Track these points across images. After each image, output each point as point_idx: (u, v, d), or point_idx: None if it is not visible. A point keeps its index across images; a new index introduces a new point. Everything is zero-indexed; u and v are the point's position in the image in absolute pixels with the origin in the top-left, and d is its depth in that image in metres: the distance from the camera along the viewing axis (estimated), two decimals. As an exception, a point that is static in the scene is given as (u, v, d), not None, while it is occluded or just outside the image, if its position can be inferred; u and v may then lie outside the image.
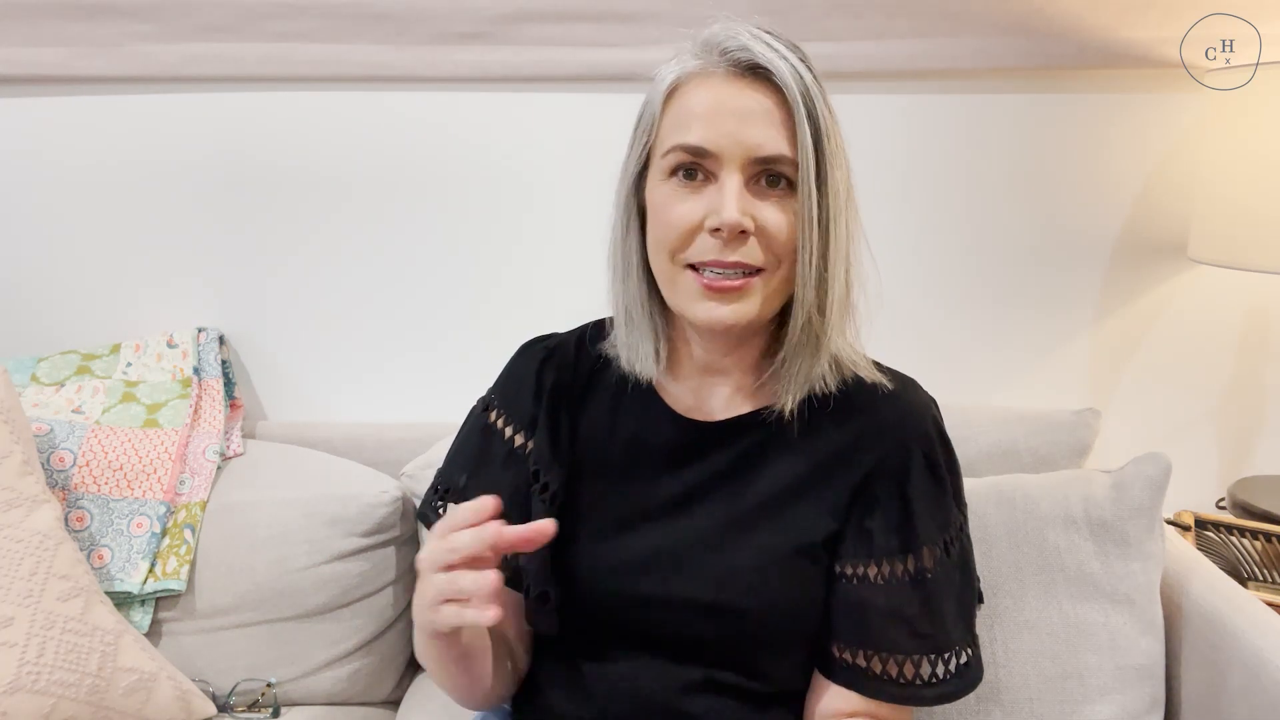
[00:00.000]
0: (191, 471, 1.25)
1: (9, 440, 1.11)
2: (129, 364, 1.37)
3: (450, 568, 0.69)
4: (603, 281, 0.88)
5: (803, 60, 0.78)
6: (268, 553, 1.20)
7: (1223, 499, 1.36)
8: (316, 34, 1.30)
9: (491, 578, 0.65)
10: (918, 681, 0.82)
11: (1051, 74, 1.30)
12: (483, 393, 0.97)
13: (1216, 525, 1.25)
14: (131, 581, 1.18)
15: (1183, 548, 1.15)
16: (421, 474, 1.24)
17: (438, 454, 1.22)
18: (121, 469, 1.22)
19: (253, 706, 1.21)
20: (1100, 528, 1.06)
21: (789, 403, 0.83)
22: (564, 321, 0.97)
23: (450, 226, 1.38)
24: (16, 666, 1.01)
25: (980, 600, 0.89)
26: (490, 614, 0.66)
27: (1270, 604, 1.05)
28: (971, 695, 0.86)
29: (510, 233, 1.38)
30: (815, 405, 0.84)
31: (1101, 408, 1.38)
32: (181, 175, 1.37)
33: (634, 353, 0.86)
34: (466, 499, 0.91)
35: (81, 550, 1.16)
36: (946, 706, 1.02)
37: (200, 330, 1.39)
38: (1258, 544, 1.21)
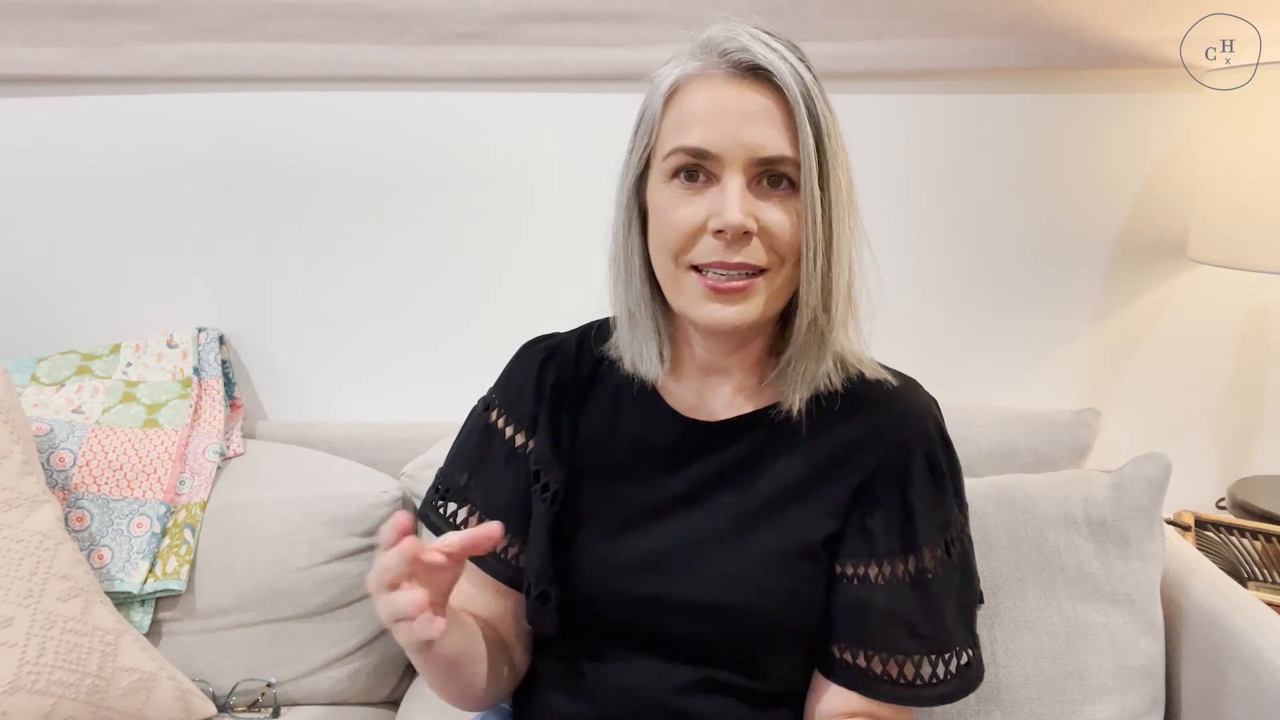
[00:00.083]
0: (191, 471, 1.25)
1: (9, 440, 1.11)
2: (129, 364, 1.37)
3: (393, 587, 0.67)
4: (603, 281, 0.88)
5: (802, 60, 0.78)
6: (268, 553, 1.20)
7: (1223, 499, 1.36)
8: (316, 34, 1.30)
9: (418, 596, 0.64)
10: (918, 682, 0.82)
11: (1051, 74, 1.30)
12: (483, 393, 0.97)
13: (1216, 525, 1.25)
14: (131, 581, 1.18)
15: (1183, 548, 1.15)
16: (421, 474, 1.24)
17: (438, 454, 1.22)
18: (121, 469, 1.22)
19: (253, 706, 1.21)
20: (1100, 528, 1.06)
21: (796, 402, 0.83)
22: (564, 321, 0.97)
23: (450, 226, 1.38)
24: (16, 666, 1.01)
25: (980, 600, 0.89)
26: (434, 629, 0.66)
27: (1270, 604, 1.05)
28: (971, 695, 0.86)
29: (510, 232, 1.38)
30: (819, 405, 0.84)
31: (1101, 408, 1.38)
32: (181, 175, 1.37)
33: (638, 354, 0.86)
34: (468, 499, 0.92)
35: (81, 550, 1.16)
36: (947, 707, 1.02)
37: (200, 330, 1.39)
38: (1258, 544, 1.21)
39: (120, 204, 1.38)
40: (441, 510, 0.93)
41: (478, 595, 0.92)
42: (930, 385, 0.90)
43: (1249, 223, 1.17)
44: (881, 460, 0.84)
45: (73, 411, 1.29)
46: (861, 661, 0.82)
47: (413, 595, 0.64)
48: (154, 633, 1.19)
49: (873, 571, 0.82)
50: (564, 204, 1.37)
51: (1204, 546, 1.24)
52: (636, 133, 0.83)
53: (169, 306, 1.41)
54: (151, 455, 1.24)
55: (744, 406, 0.87)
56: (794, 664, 0.86)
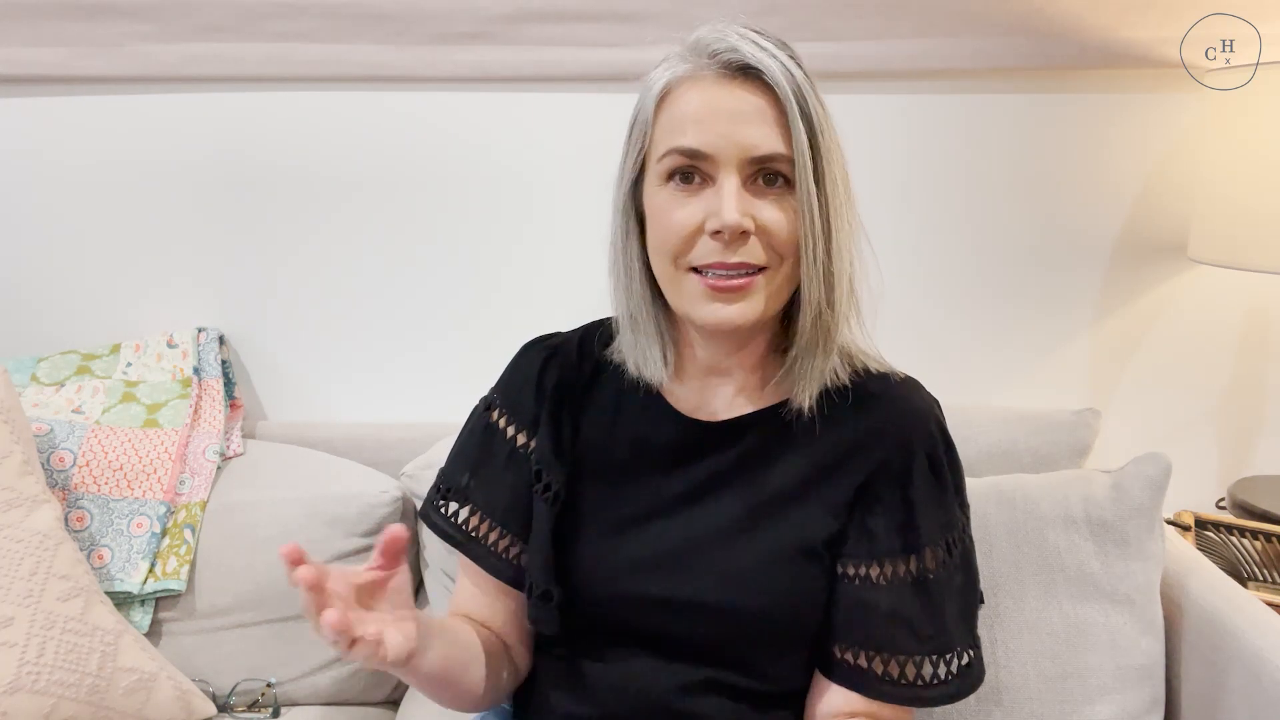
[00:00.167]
0: (191, 471, 1.25)
1: (9, 440, 1.11)
2: (129, 364, 1.37)
3: (318, 613, 0.65)
4: (603, 281, 0.88)
5: (792, 57, 0.77)
6: (268, 553, 1.20)
7: (1223, 499, 1.36)
8: (316, 34, 1.30)
9: (331, 618, 0.63)
10: (919, 682, 0.82)
11: (1051, 74, 1.30)
12: (484, 392, 0.97)
13: (1216, 525, 1.25)
14: (131, 581, 1.18)
15: (1183, 548, 1.15)
16: (421, 474, 1.24)
17: (438, 454, 1.22)
18: (121, 469, 1.22)
19: (253, 706, 1.21)
20: (1100, 528, 1.06)
21: (806, 400, 0.83)
22: (565, 321, 0.97)
23: (450, 226, 1.38)
24: (16, 666, 1.01)
25: (980, 600, 0.89)
26: (387, 649, 0.66)
27: (1270, 604, 1.05)
28: (972, 695, 0.86)
29: (510, 233, 1.38)
30: (829, 402, 0.84)
31: (1101, 408, 1.38)
32: (181, 175, 1.37)
33: (641, 358, 0.86)
34: (469, 499, 0.92)
35: (81, 550, 1.16)
36: (947, 707, 1.02)
37: (200, 330, 1.39)
38: (1258, 544, 1.21)
39: (120, 204, 1.38)
40: (443, 510, 0.93)
41: (480, 596, 0.92)
42: (930, 385, 0.90)
43: (1249, 223, 1.17)
44: (883, 460, 0.84)
45: (73, 411, 1.29)
46: (862, 662, 0.82)
47: (326, 616, 0.63)
48: (154, 633, 1.19)
49: (874, 572, 0.82)
50: (564, 204, 1.37)
51: (1204, 546, 1.24)
52: (630, 137, 0.83)
53: (169, 306, 1.41)
54: (151, 455, 1.24)
55: (745, 407, 0.87)
56: (795, 664, 0.86)
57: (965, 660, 0.84)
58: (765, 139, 0.76)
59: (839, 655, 0.83)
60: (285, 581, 1.17)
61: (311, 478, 1.27)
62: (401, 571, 0.71)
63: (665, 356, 0.86)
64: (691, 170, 0.78)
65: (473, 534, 0.91)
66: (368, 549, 1.23)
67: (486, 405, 0.95)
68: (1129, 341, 1.39)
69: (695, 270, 0.79)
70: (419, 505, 1.25)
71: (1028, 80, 1.31)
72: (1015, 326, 1.39)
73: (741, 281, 0.78)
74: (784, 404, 0.85)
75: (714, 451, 0.86)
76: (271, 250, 1.40)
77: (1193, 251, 1.27)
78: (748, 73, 0.76)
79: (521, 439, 0.91)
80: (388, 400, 1.45)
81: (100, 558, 1.19)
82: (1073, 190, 1.34)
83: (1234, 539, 1.23)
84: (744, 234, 0.76)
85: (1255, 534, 1.22)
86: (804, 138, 0.75)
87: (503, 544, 0.90)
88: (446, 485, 0.94)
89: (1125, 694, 1.03)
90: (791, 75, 0.76)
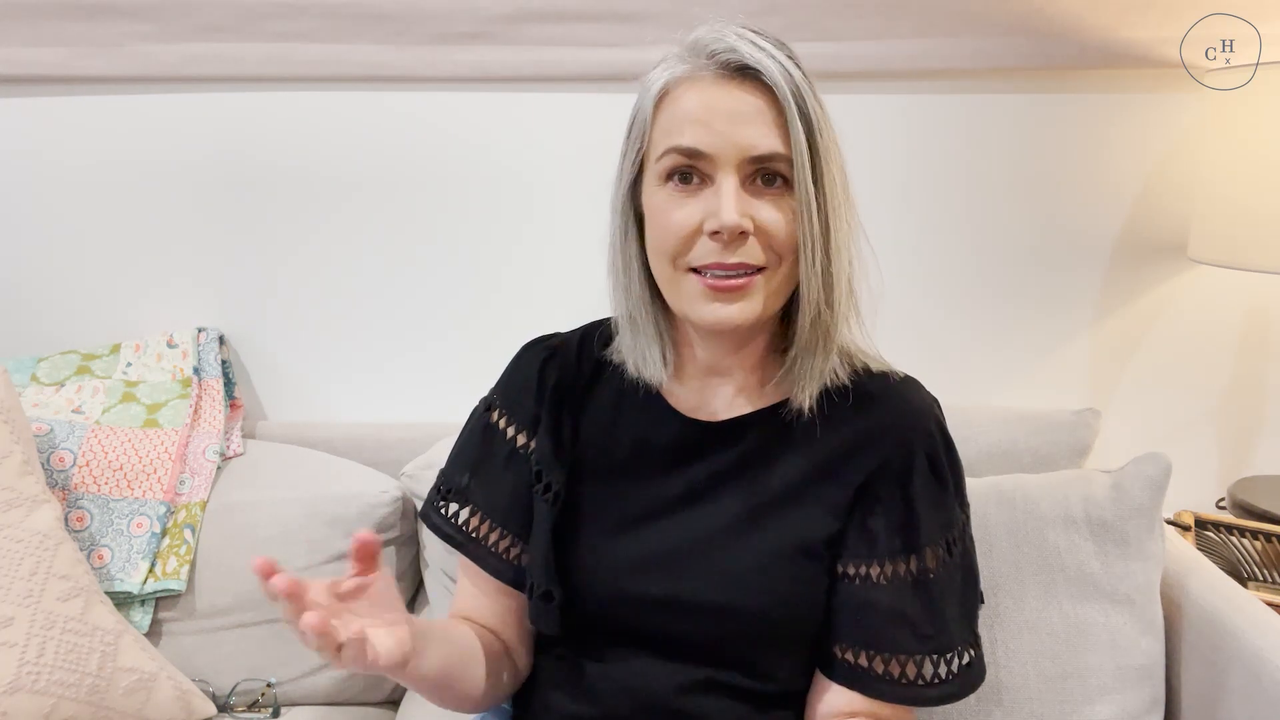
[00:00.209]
0: (191, 471, 1.25)
1: (9, 440, 1.11)
2: (129, 364, 1.37)
3: (297, 620, 0.66)
4: (603, 281, 0.88)
5: (790, 57, 0.77)
6: (268, 553, 1.16)
7: (1223, 499, 1.36)
8: (316, 34, 1.30)
9: (310, 620, 0.63)
10: (920, 682, 0.82)
11: (1051, 74, 1.30)
12: (484, 393, 0.97)
13: (1216, 525, 1.25)
14: (131, 581, 1.18)
15: (1183, 548, 1.15)
16: (421, 474, 1.24)
17: (438, 454, 1.22)
18: (121, 469, 1.22)
19: (253, 706, 1.21)
20: (1100, 528, 1.06)
21: (806, 400, 0.83)
22: (565, 321, 0.97)
23: (450, 226, 1.38)
24: (16, 666, 1.01)
25: (981, 600, 0.89)
26: (377, 655, 0.67)
27: (1270, 604, 1.05)
28: (972, 695, 0.86)
29: (510, 233, 1.38)
30: (829, 402, 0.84)
31: (1101, 408, 1.38)
32: (181, 175, 1.37)
33: (640, 359, 0.86)
34: (469, 499, 0.92)
35: (81, 550, 1.16)
36: (947, 707, 1.02)
37: (200, 330, 1.39)
38: (1258, 544, 1.21)
39: (120, 204, 1.38)
40: (443, 511, 0.93)
41: (481, 597, 0.92)
42: (930, 385, 0.90)
43: (1249, 223, 1.17)
44: (883, 460, 0.84)
45: (73, 411, 1.29)
46: (863, 661, 0.82)
47: (305, 619, 0.63)
48: (154, 633, 1.19)
49: (874, 571, 0.82)
50: (564, 204, 1.37)
51: (1204, 546, 1.24)
52: (629, 138, 0.83)
53: (169, 306, 1.41)
54: (151, 455, 1.24)
55: (745, 407, 0.87)
56: (795, 664, 0.86)
57: (966, 659, 0.84)
58: (764, 139, 0.76)
59: (839, 655, 0.83)
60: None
61: (311, 478, 1.27)
62: (382, 575, 0.71)
63: (664, 356, 0.86)
64: (690, 170, 0.78)
65: (473, 535, 0.91)
66: (368, 549, 1.22)
67: (486, 406, 0.95)
68: (1129, 341, 1.39)
69: (694, 270, 0.79)
70: (419, 505, 1.25)
71: (1028, 80, 1.31)
72: (1015, 326, 1.39)
73: (740, 282, 0.78)
74: (784, 404, 0.85)
75: (714, 451, 0.86)
76: (271, 250, 1.40)
77: (1193, 251, 1.27)
78: (746, 73, 0.76)
79: (521, 439, 0.91)
80: (388, 400, 1.45)
81: (100, 558, 1.19)
82: (1073, 190, 1.34)
83: (1234, 539, 1.23)
84: (743, 234, 0.76)
85: (1255, 534, 1.22)
86: (802, 138, 0.75)
87: (503, 544, 0.90)
88: (446, 486, 0.94)
89: (1125, 694, 1.03)
90: (790, 75, 0.76)
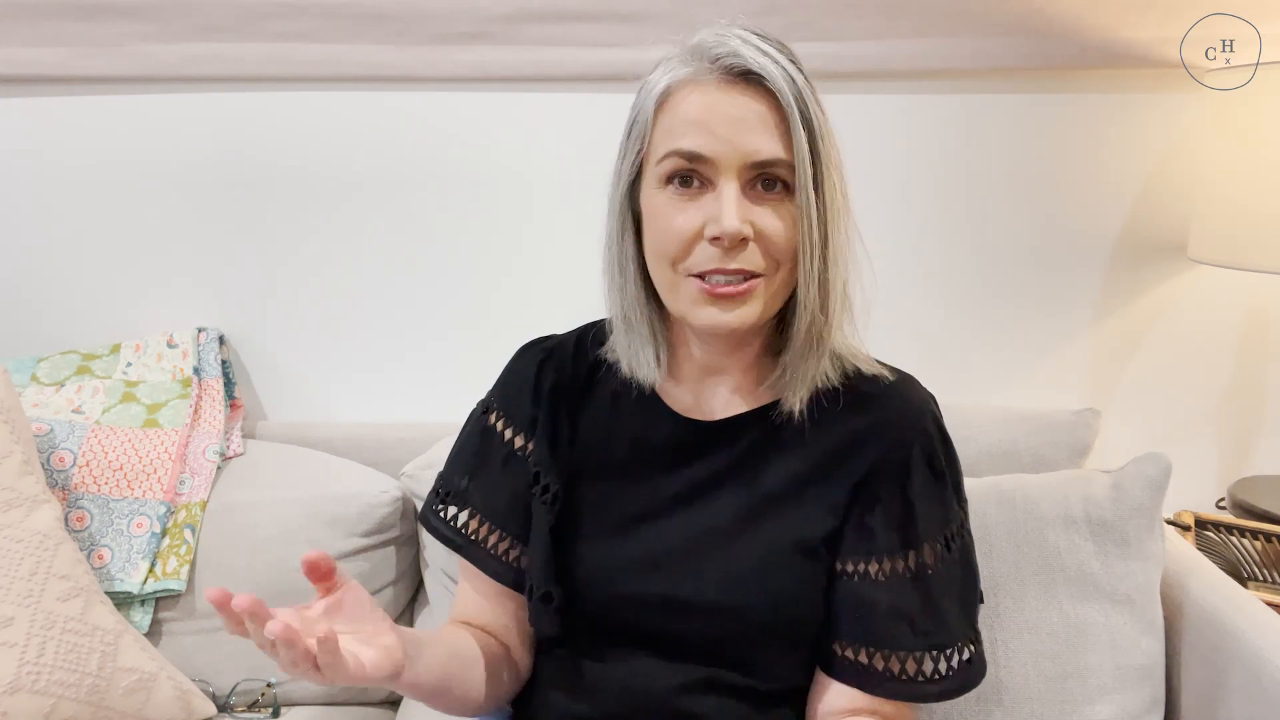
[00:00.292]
0: (191, 471, 1.25)
1: (9, 440, 1.11)
2: (129, 364, 1.37)
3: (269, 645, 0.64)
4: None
5: (793, 61, 0.77)
6: (268, 553, 1.20)
7: (1223, 499, 1.36)
8: (316, 34, 1.30)
9: (274, 628, 0.61)
10: (920, 678, 0.82)
11: (1051, 74, 1.30)
12: (483, 394, 0.97)
13: (1216, 525, 1.25)
14: (131, 581, 1.18)
15: (1183, 548, 1.15)
16: (421, 474, 1.24)
17: (438, 454, 1.22)
18: (121, 469, 1.22)
19: (253, 706, 1.21)
20: (1100, 528, 1.06)
21: (797, 404, 0.83)
22: (564, 322, 0.97)
23: (450, 226, 1.38)
24: (16, 666, 1.01)
25: (980, 600, 0.89)
26: (364, 667, 0.66)
27: (1270, 604, 1.05)
28: (972, 695, 0.86)
29: (511, 233, 1.38)
30: (819, 403, 0.84)
31: (1101, 408, 1.38)
32: (181, 175, 1.37)
33: (634, 359, 0.86)
34: (468, 502, 0.92)
35: (81, 550, 1.16)
36: (947, 706, 1.02)
37: (200, 330, 1.39)
38: (1258, 544, 1.21)
39: (120, 204, 1.38)
40: (442, 514, 0.93)
41: (481, 599, 0.92)
42: (930, 385, 0.90)
43: (1249, 223, 1.17)
44: (880, 457, 0.84)
45: (73, 411, 1.29)
46: (863, 658, 0.82)
47: (270, 627, 0.61)
48: (154, 633, 1.19)
49: (873, 568, 0.82)
50: (564, 204, 1.37)
51: (1204, 546, 1.24)
52: (628, 139, 0.83)
53: (169, 306, 1.41)
54: (151, 455, 1.24)
55: (741, 406, 0.87)
56: (795, 662, 0.86)
57: (966, 655, 0.84)
58: (766, 144, 0.76)
59: (839, 652, 0.84)
60: (285, 581, 1.18)
61: (311, 478, 1.27)
62: (352, 589, 0.69)
63: (658, 357, 0.86)
64: (691, 174, 0.78)
65: (472, 537, 0.91)
66: (368, 549, 1.23)
67: (484, 409, 0.95)
68: (1129, 341, 1.39)
69: (694, 275, 0.79)
70: (419, 505, 1.25)
71: (1028, 80, 1.31)
72: (1015, 326, 1.39)
73: (741, 288, 0.77)
74: (778, 404, 0.85)
75: (711, 451, 0.86)
76: (271, 250, 1.40)
77: (1193, 251, 1.27)
78: (749, 78, 0.76)
79: (519, 441, 0.91)
80: (388, 400, 1.45)
81: (100, 558, 1.19)
82: (1073, 190, 1.34)
83: (1234, 539, 1.23)
84: (743, 240, 0.76)
85: (1255, 534, 1.22)
86: (805, 144, 0.75)
87: (502, 547, 0.90)
88: (445, 489, 0.94)
89: (1125, 694, 1.03)
90: (793, 81, 0.75)
